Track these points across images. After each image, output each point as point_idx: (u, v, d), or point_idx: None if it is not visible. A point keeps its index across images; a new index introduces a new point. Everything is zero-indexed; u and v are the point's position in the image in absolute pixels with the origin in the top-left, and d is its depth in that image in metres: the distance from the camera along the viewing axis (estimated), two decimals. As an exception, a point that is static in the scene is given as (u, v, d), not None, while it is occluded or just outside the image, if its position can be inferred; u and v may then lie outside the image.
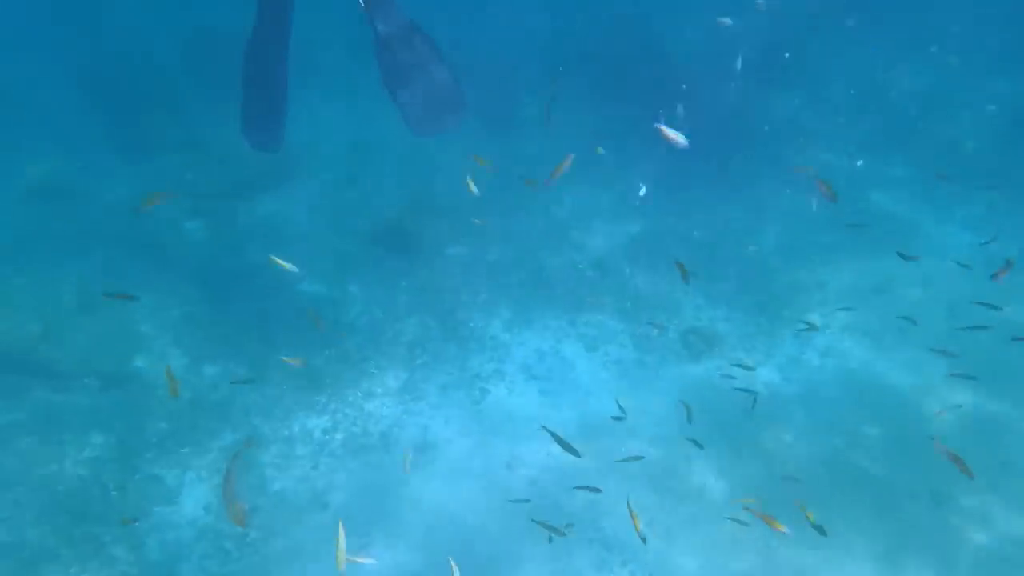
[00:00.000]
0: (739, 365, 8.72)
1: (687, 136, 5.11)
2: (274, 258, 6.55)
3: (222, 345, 9.90)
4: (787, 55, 14.68)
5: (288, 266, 6.42)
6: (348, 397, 9.21)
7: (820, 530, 5.53)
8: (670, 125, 5.07)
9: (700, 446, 7.21)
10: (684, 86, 12.83)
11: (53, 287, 10.15)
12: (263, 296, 10.60)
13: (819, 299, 10.78)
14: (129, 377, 9.57)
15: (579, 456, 5.73)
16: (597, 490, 6.52)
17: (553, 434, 5.55)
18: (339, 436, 8.78)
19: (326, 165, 13.34)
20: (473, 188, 6.54)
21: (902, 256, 6.47)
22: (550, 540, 7.14)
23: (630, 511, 4.81)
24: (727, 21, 10.52)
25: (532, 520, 6.73)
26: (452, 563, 4.75)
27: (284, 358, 8.26)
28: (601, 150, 8.99)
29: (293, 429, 8.86)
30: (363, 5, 4.75)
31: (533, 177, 11.71)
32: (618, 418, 8.17)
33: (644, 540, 5.42)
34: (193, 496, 8.30)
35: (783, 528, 4.99)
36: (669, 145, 5.13)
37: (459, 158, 13.33)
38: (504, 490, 8.10)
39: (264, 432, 8.84)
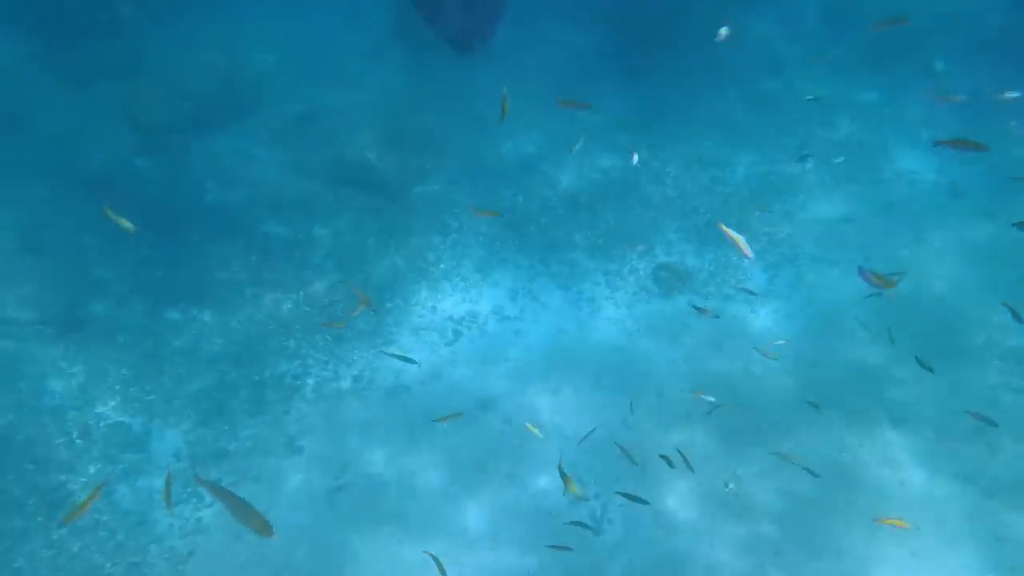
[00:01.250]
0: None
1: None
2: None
3: (184, 289, 9.55)
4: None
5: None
6: (318, 342, 9.04)
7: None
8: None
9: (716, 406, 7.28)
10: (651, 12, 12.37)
11: (-4, 228, 9.58)
12: (224, 238, 10.18)
13: (787, 231, 10.83)
14: (86, 322, 9.22)
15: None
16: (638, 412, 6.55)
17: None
18: (310, 381, 8.67)
19: (287, 96, 12.62)
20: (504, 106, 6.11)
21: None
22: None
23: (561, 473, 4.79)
24: None
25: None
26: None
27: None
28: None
29: (263, 374, 8.70)
30: None
31: (507, 119, 11.22)
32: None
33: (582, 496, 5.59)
34: (162, 443, 8.17)
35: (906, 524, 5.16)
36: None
37: (424, 91, 12.78)
38: (479, 430, 8.16)
39: (233, 377, 8.67)
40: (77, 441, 8.18)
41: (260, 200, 10.69)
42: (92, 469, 7.95)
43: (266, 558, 7.21)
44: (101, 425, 8.32)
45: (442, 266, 10.01)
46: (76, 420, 8.35)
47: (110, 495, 7.76)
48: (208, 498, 7.66)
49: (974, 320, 9.13)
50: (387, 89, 12.38)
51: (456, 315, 9.43)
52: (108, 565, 7.22)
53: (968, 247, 10.17)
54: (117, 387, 8.64)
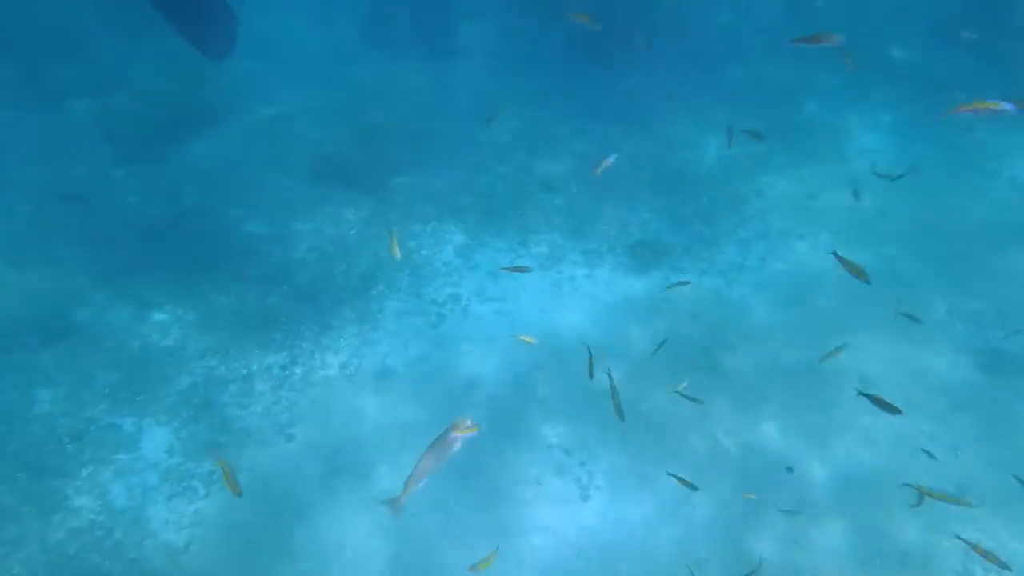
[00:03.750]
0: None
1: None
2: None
3: (168, 291, 9.63)
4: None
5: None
6: (304, 332, 9.14)
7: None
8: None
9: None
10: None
11: (-24, 246, 9.64)
12: (204, 239, 10.28)
13: (758, 207, 11.14)
14: (71, 330, 9.25)
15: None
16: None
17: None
18: (298, 370, 8.76)
19: (262, 100, 12.80)
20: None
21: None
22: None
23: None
24: None
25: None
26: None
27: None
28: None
29: (251, 367, 8.79)
30: None
31: (481, 111, 11.47)
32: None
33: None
34: (153, 440, 8.21)
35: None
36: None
37: (397, 87, 13.03)
38: (466, 409, 8.29)
39: (221, 372, 8.74)
40: (68, 446, 8.19)
41: (239, 201, 10.83)
42: (85, 472, 7.96)
43: (263, 545, 7.27)
44: (92, 428, 8.34)
45: (423, 252, 10.18)
46: (66, 426, 8.36)
47: (104, 496, 7.78)
48: (202, 490, 7.72)
49: (933, 290, 9.47)
50: (361, 87, 12.59)
51: (439, 299, 9.58)
52: (106, 563, 7.22)
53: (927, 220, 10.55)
54: (106, 390, 8.67)
